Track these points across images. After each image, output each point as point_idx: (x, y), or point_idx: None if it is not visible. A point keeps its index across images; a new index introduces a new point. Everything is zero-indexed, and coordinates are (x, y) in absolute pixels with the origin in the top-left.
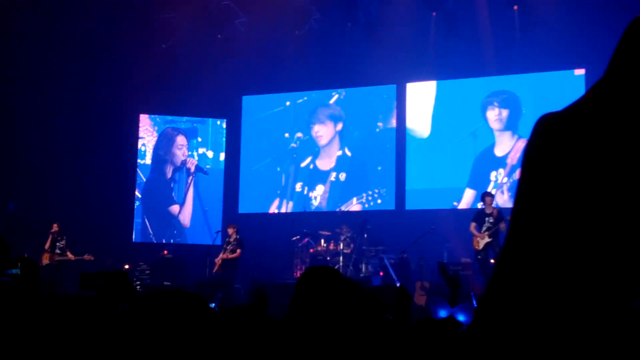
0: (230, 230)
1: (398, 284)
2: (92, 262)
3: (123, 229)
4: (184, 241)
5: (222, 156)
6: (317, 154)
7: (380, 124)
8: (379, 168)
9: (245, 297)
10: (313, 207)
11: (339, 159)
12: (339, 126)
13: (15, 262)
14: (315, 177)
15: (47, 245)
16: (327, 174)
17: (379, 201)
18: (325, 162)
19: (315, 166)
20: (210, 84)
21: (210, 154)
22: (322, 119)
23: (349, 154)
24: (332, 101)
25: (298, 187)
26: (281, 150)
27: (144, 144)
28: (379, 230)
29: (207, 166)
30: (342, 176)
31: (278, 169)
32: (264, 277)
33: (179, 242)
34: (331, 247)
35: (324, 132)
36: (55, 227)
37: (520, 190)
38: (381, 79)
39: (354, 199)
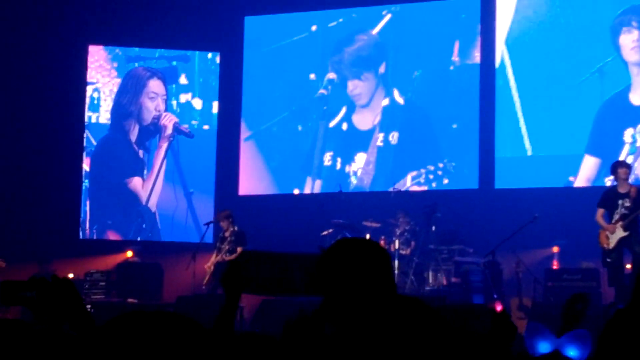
0: (223, 224)
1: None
2: (10, 271)
3: (64, 220)
4: (158, 238)
5: (215, 108)
6: (354, 106)
7: (456, 57)
8: (454, 126)
9: (250, 322)
10: (352, 187)
11: (385, 110)
12: (382, 68)
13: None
14: (353, 141)
15: None
16: (369, 135)
17: (446, 180)
18: (367, 118)
19: (351, 124)
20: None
21: (197, 103)
22: (354, 66)
23: (400, 101)
24: (377, 28)
25: (327, 158)
26: (304, 99)
27: (96, 90)
28: (454, 220)
29: (193, 122)
30: (394, 137)
31: (299, 127)
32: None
33: (150, 240)
34: (381, 244)
35: (361, 88)
36: None
37: None
38: None
39: (409, 176)
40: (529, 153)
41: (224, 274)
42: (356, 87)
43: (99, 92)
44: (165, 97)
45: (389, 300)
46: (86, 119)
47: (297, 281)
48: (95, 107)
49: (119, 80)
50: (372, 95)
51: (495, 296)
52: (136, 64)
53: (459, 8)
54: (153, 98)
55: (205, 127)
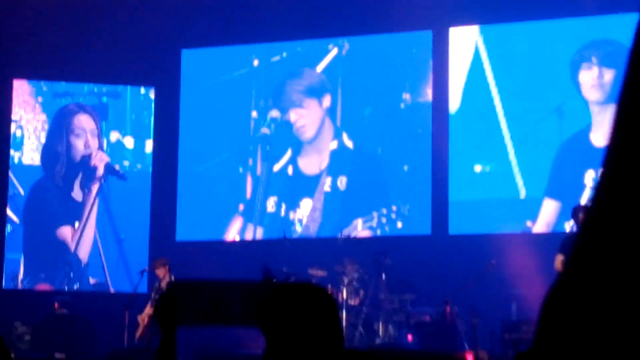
0: (159, 272)
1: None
2: None
3: None
4: (87, 288)
5: (149, 147)
6: (300, 148)
7: (406, 95)
8: (405, 168)
9: None
10: (297, 234)
11: (333, 154)
12: (326, 101)
13: None
14: (298, 185)
15: None
16: (316, 180)
17: (400, 224)
18: (313, 161)
19: (296, 168)
20: (127, 28)
21: (129, 142)
22: (297, 97)
23: (349, 144)
24: (324, 62)
25: (271, 204)
26: (245, 139)
27: (19, 127)
28: (405, 268)
29: (125, 162)
30: (342, 182)
31: (240, 169)
32: (219, 346)
33: (79, 290)
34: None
35: (305, 118)
36: None
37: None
38: (410, 20)
39: (360, 220)
40: (484, 196)
41: (157, 307)
42: (300, 117)
43: (22, 130)
44: (96, 132)
45: (336, 353)
46: (11, 159)
47: (236, 311)
48: (18, 146)
49: (44, 117)
50: (319, 129)
51: (465, 346)
52: (63, 100)
53: (410, 42)
54: (79, 135)
55: (139, 166)
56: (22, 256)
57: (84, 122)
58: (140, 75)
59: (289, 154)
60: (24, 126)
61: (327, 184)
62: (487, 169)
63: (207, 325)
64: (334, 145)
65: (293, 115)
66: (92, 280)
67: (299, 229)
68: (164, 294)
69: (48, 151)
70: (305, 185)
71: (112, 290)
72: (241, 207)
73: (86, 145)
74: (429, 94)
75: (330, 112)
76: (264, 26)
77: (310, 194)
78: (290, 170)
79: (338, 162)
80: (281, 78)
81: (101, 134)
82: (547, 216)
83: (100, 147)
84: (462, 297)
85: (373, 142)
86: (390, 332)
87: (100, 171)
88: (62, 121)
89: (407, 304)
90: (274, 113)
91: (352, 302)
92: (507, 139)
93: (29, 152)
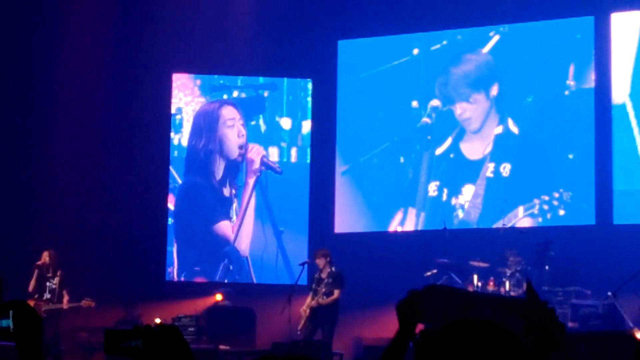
0: (319, 261)
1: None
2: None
3: (150, 262)
4: (248, 280)
5: (306, 128)
6: (462, 133)
7: (571, 82)
8: (570, 156)
9: None
10: (458, 221)
11: (497, 139)
12: (494, 90)
13: (5, 309)
14: (461, 171)
15: (31, 286)
16: (479, 165)
17: (562, 212)
18: (476, 146)
19: (459, 153)
20: (282, 22)
21: (286, 123)
22: (463, 91)
23: (515, 130)
24: (487, 47)
25: (432, 188)
26: (406, 129)
27: (179, 111)
28: (569, 259)
29: (283, 144)
30: (505, 169)
31: (402, 159)
32: (380, 335)
33: (240, 282)
34: (490, 287)
35: (471, 112)
36: (45, 258)
37: None
38: (571, 6)
39: (521, 208)
40: None
41: (401, 301)
42: (465, 111)
43: (181, 113)
44: (242, 121)
45: None
46: (171, 154)
47: (483, 318)
48: (178, 128)
49: (203, 100)
50: (484, 120)
51: (631, 325)
52: (219, 93)
53: (573, 28)
54: (231, 126)
55: (296, 161)
56: (175, 248)
57: (231, 113)
58: (297, 67)
59: (451, 138)
60: (183, 109)
61: (490, 170)
62: None
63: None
64: (499, 130)
65: (458, 109)
66: (250, 273)
67: (460, 214)
68: (411, 291)
69: (194, 153)
70: (467, 170)
71: (269, 282)
72: (402, 195)
73: (239, 134)
74: (593, 81)
75: (497, 99)
76: (423, 15)
77: (473, 180)
78: (452, 155)
79: (503, 147)
80: (443, 66)
81: (253, 129)
82: None
83: (248, 140)
84: (629, 290)
85: (537, 128)
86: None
87: (257, 164)
88: (211, 117)
89: (571, 296)
90: (435, 102)
91: (515, 294)
92: None
93: (188, 135)
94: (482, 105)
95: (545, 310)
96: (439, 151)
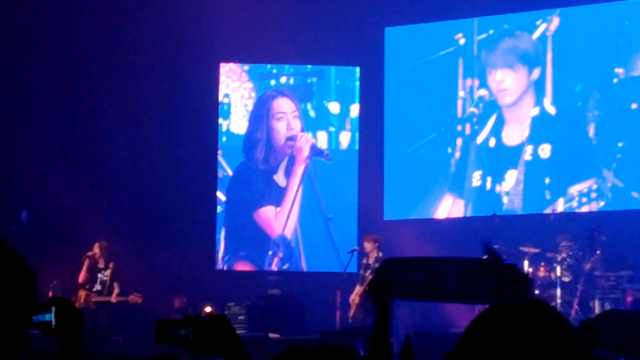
0: (367, 245)
1: None
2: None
3: (200, 250)
4: (297, 268)
5: (354, 112)
6: (501, 120)
7: (619, 69)
8: (620, 144)
9: None
10: (504, 206)
11: (534, 121)
12: (535, 73)
13: (48, 305)
14: (502, 157)
15: (81, 278)
16: (518, 150)
17: (610, 194)
18: (514, 131)
19: (499, 140)
20: (329, 9)
21: (334, 108)
22: (509, 59)
23: (551, 111)
24: (535, 35)
25: (476, 177)
26: (452, 118)
27: (226, 96)
28: (621, 244)
29: (331, 129)
30: (544, 150)
31: (449, 149)
32: (429, 323)
33: (289, 270)
34: (541, 273)
35: (510, 82)
36: (96, 249)
37: None
38: None
39: (572, 190)
40: None
41: (370, 283)
42: (505, 79)
43: (229, 98)
44: (296, 113)
45: None
46: (219, 143)
47: (450, 287)
48: (226, 114)
49: (250, 85)
50: (521, 96)
51: None
52: (267, 82)
53: (621, 13)
54: (281, 118)
55: (344, 148)
56: (223, 235)
57: (284, 105)
58: (344, 55)
59: (490, 124)
60: (231, 95)
61: (528, 152)
62: None
63: (420, 300)
64: (535, 111)
65: (500, 74)
66: (300, 261)
67: (505, 200)
68: (378, 268)
69: (249, 138)
70: (508, 156)
71: (318, 270)
72: (449, 185)
73: (288, 127)
74: None
75: (537, 85)
76: (470, 2)
77: (514, 165)
78: (492, 142)
79: (539, 128)
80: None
81: (302, 115)
82: None
83: (302, 129)
84: None
85: (582, 112)
86: (606, 309)
87: (306, 152)
88: (262, 107)
89: (624, 281)
90: (482, 92)
91: (566, 279)
92: None
93: (236, 120)
94: (522, 80)
95: (506, 267)
96: (479, 139)
